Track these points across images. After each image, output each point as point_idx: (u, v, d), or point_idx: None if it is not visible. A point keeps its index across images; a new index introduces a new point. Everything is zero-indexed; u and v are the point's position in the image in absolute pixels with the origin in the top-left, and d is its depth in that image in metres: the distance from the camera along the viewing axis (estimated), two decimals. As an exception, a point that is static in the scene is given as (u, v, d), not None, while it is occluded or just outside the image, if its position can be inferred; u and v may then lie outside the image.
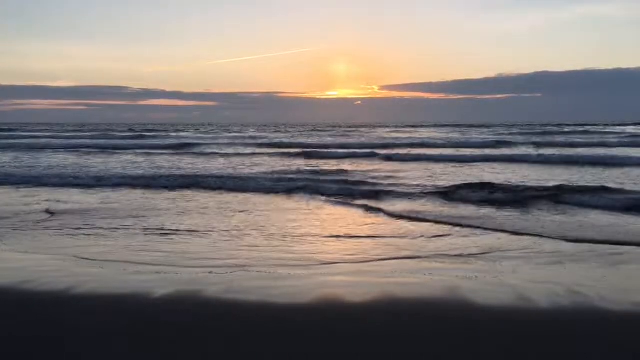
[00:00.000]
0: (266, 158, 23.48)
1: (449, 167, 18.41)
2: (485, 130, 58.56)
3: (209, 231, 7.90)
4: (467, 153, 24.39)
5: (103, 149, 29.80)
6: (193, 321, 4.16)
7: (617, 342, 3.81)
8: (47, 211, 9.70)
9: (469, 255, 6.41)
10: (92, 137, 44.51)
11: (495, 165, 19.29)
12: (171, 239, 7.41)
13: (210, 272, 5.56)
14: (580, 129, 56.22)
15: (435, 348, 3.70)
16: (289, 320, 4.21)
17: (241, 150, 29.44)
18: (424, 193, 11.73)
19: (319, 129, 70.22)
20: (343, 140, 39.36)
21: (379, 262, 6.10)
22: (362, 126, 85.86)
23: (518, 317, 4.31)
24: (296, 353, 3.64)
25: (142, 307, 4.50)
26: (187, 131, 63.25)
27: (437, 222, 8.53)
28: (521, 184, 13.10)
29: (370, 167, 18.71)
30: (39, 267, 5.84)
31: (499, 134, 45.43)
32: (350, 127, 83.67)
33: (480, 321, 4.20)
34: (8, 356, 3.60)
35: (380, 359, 3.55)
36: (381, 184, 13.47)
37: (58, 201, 10.97)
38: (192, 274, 5.51)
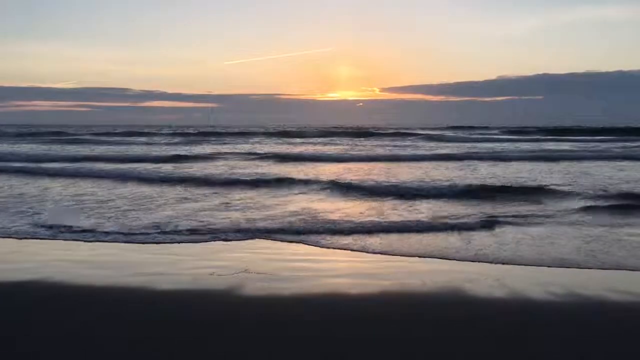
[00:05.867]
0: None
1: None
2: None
3: None
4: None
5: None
6: (198, 320, 4.20)
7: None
8: None
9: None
10: (45, 142, 37.77)
11: None
12: None
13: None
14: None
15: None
16: (291, 322, 4.24)
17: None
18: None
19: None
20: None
21: (381, 263, 6.14)
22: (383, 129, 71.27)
23: (517, 314, 4.35)
24: (299, 354, 3.67)
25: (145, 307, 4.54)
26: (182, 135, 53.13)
27: None
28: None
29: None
30: None
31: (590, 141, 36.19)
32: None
33: (481, 320, 4.24)
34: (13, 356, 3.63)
35: (382, 358, 3.58)
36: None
37: None
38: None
